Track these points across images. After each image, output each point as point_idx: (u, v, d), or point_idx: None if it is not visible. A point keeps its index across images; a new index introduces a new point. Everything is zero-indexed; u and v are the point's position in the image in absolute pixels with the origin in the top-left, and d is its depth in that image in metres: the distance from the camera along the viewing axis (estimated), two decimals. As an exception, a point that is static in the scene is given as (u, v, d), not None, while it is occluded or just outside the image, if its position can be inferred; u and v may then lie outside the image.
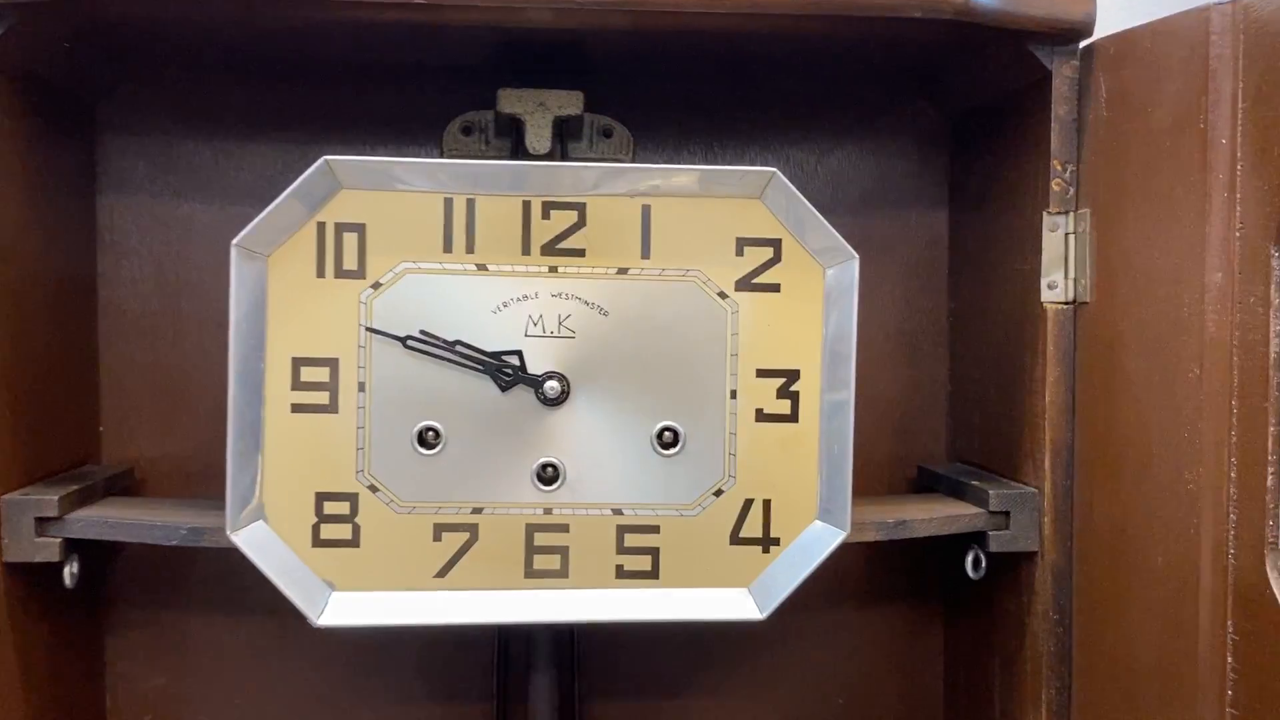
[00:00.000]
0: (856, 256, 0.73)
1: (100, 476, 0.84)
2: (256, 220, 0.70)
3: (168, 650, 0.92)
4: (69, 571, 0.78)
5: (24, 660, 0.77)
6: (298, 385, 0.71)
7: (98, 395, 0.91)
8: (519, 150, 0.85)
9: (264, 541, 0.71)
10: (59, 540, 0.75)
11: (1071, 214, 0.78)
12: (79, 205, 0.89)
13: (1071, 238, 0.79)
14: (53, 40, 0.78)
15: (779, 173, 0.72)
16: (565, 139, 0.88)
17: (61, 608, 0.83)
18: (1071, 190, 0.78)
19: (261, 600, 0.72)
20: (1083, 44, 0.77)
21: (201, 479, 0.91)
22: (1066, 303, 0.79)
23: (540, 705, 0.83)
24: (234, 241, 0.70)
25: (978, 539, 0.82)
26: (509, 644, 0.91)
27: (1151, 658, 0.72)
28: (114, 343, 0.91)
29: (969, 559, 0.83)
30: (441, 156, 0.87)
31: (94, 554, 0.83)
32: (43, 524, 0.75)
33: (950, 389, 0.97)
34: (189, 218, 0.91)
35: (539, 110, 0.84)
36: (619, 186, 0.73)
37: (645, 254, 0.73)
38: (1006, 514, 0.80)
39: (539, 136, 0.84)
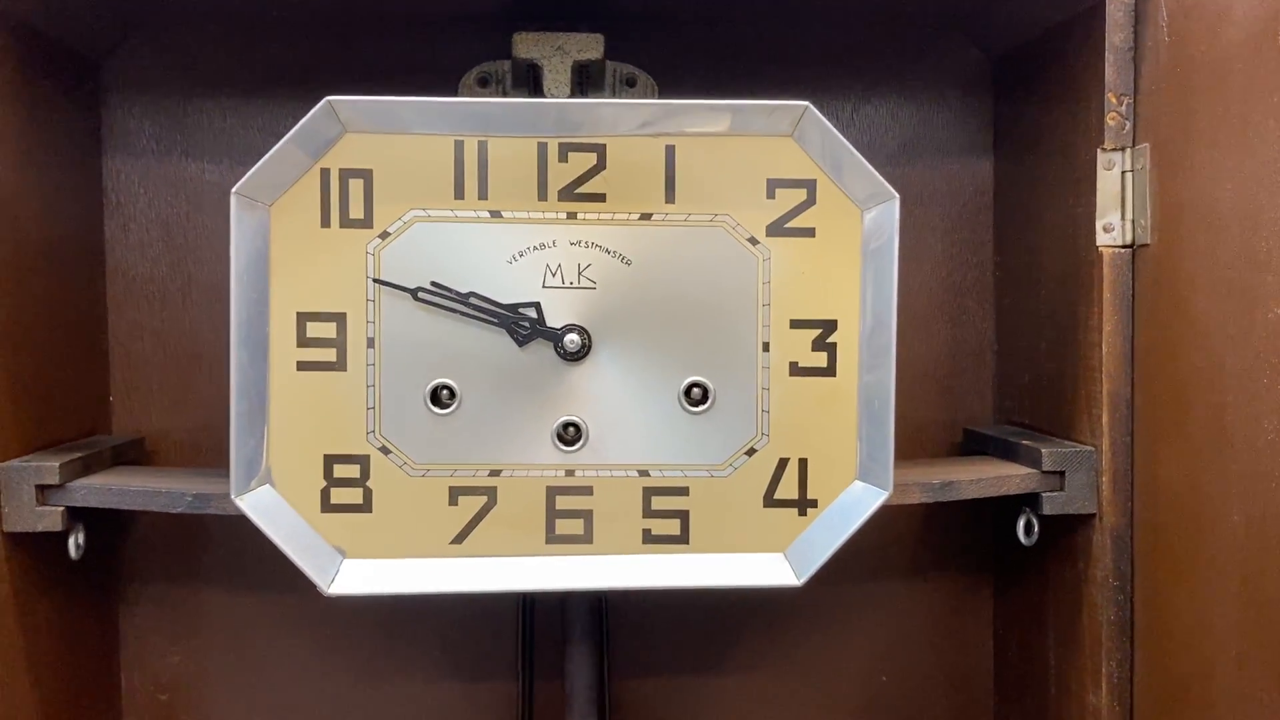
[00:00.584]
0: (897, 196, 0.68)
1: (108, 446, 0.81)
2: (257, 166, 0.66)
3: (184, 627, 0.89)
4: (74, 542, 0.74)
5: (30, 635, 0.74)
6: (303, 342, 0.68)
7: (107, 364, 0.88)
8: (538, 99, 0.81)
9: (271, 507, 0.67)
10: (61, 509, 0.72)
11: (1129, 150, 0.73)
12: (84, 167, 0.85)
13: (1129, 176, 0.73)
14: (48, -12, 0.74)
15: (812, 107, 0.67)
16: (586, 88, 0.84)
17: (70, 582, 0.80)
18: (1128, 125, 0.73)
19: (279, 574, 0.68)
20: (1140, -35, 0.72)
21: (214, 450, 0.87)
22: (1124, 246, 0.73)
23: (578, 681, 0.79)
24: (234, 189, 0.66)
25: (1030, 501, 0.77)
26: (534, 616, 0.87)
27: (1228, 624, 0.67)
28: (123, 309, 0.88)
29: (1020, 523, 0.78)
30: (457, 109, 0.83)
31: (104, 527, 0.80)
32: (44, 492, 0.71)
33: (997, 346, 0.91)
34: (197, 178, 0.88)
35: (557, 54, 0.79)
36: (642, 126, 0.68)
37: (670, 198, 0.69)
38: (1061, 474, 0.75)
39: (557, 83, 0.79)
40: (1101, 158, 0.73)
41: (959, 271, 0.92)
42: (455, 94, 0.84)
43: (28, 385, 0.75)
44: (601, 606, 0.85)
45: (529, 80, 0.83)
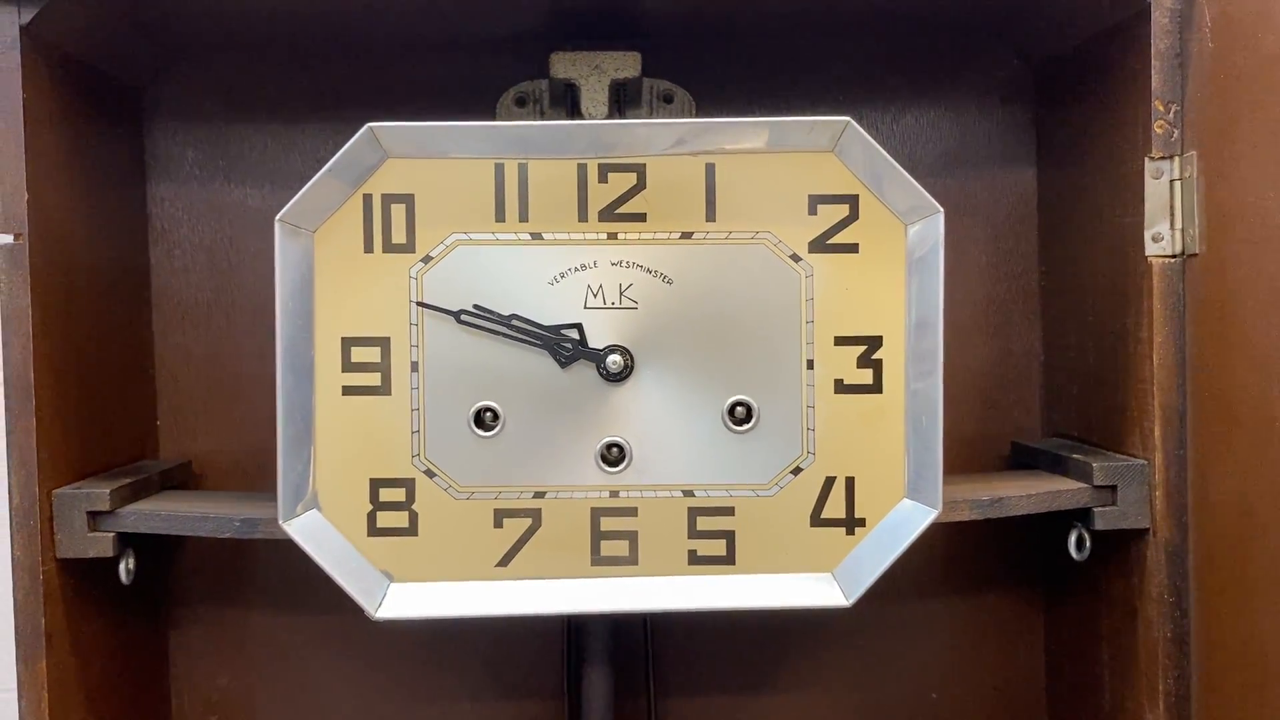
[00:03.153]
0: (941, 210, 0.67)
1: (156, 470, 0.81)
2: (300, 193, 0.66)
3: (232, 648, 0.90)
4: (124, 567, 0.75)
5: (83, 659, 0.75)
6: (348, 366, 0.68)
7: (154, 389, 0.89)
8: (575, 118, 0.81)
9: (319, 531, 0.68)
10: (112, 535, 0.72)
11: (1177, 158, 0.72)
12: (129, 193, 0.87)
13: (1178, 184, 0.72)
14: (92, 20, 0.75)
15: (853, 122, 0.67)
16: (624, 106, 0.84)
17: (120, 605, 0.80)
18: (1176, 132, 0.72)
19: (327, 595, 0.69)
20: (1185, -30, 0.71)
21: (261, 473, 0.88)
22: (1174, 255, 0.72)
23: (595, 703, 0.79)
24: (278, 217, 0.66)
25: (1081, 517, 0.75)
26: (580, 637, 0.86)
27: (1284, 642, 0.65)
28: (168, 334, 0.89)
29: (1072, 539, 0.77)
30: (496, 130, 0.83)
31: (153, 550, 0.81)
32: (95, 518, 0.72)
33: (1044, 359, 0.90)
34: (240, 203, 0.89)
35: (594, 74, 0.79)
36: (681, 145, 0.68)
37: (710, 216, 0.68)
38: (1113, 488, 0.73)
39: (595, 101, 0.79)
40: (1149, 166, 0.72)
41: (1003, 282, 0.91)
42: (493, 114, 0.85)
43: (78, 411, 0.76)
44: (644, 626, 0.84)
45: (567, 99, 0.83)
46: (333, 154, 0.67)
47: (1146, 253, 0.73)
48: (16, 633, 0.71)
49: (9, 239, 0.70)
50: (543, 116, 0.85)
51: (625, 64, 0.79)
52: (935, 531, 0.68)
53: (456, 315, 0.68)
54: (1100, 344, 0.80)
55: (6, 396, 0.70)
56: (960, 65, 0.90)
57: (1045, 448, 0.83)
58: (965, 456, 0.90)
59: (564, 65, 0.79)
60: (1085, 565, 0.78)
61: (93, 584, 0.76)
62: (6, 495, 0.71)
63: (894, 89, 0.90)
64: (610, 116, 0.80)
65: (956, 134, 0.90)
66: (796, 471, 0.69)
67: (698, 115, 0.85)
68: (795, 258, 0.68)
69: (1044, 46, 0.86)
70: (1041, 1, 0.80)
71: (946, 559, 0.91)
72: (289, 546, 0.67)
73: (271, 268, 0.67)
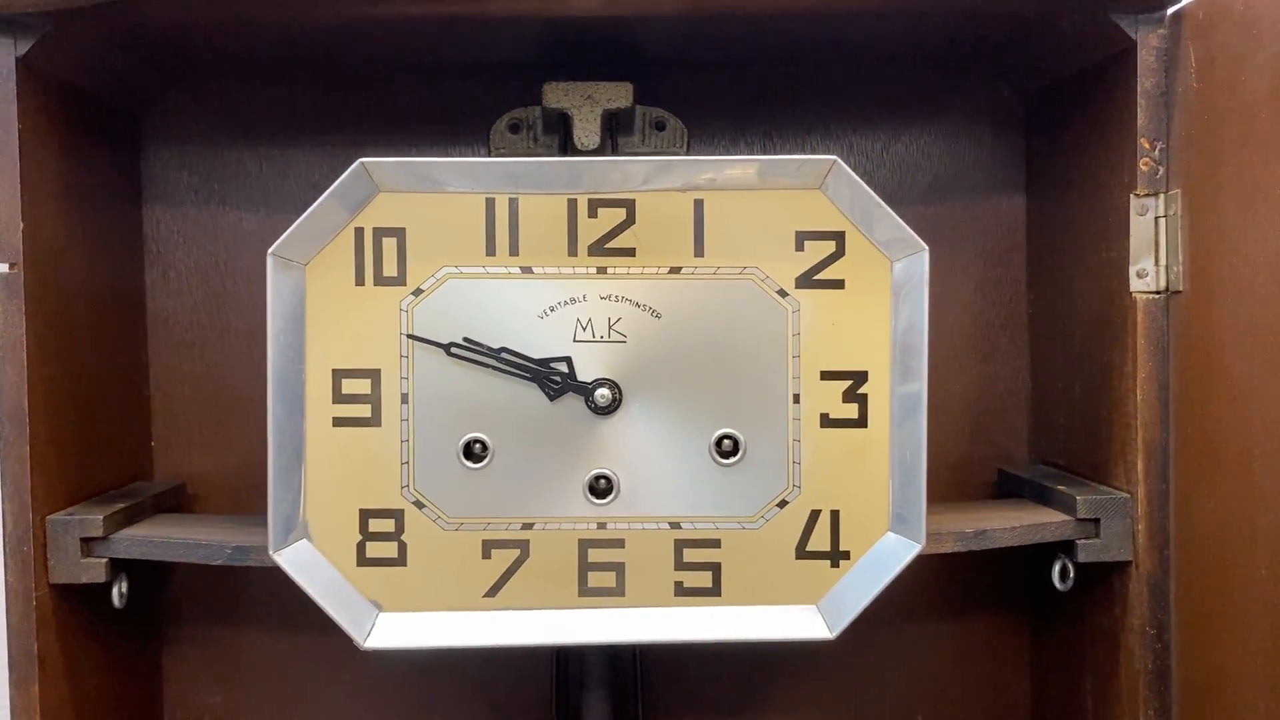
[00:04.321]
0: (926, 248, 0.68)
1: (149, 494, 0.82)
2: (292, 227, 0.67)
3: (224, 668, 0.91)
4: (117, 591, 0.76)
5: (76, 683, 0.76)
6: (339, 398, 0.69)
7: (148, 410, 0.89)
8: (568, 146, 0.82)
9: (309, 562, 0.69)
10: (105, 560, 0.73)
11: (1161, 196, 0.72)
12: (125, 217, 0.87)
13: (1162, 221, 0.72)
14: (89, 49, 0.76)
15: (840, 160, 0.67)
16: (616, 133, 0.85)
17: (114, 628, 0.81)
18: (1161, 170, 0.72)
19: (318, 618, 0.70)
20: (1170, 10, 0.71)
21: (253, 494, 0.88)
22: (1157, 292, 0.73)
23: None
24: (270, 250, 0.67)
25: (1065, 548, 0.76)
26: (568, 665, 0.87)
27: (1257, 679, 0.66)
28: (163, 356, 0.89)
29: (1056, 569, 0.78)
30: (489, 155, 0.84)
31: (146, 572, 0.82)
32: (88, 544, 0.73)
33: (1032, 387, 0.91)
34: (235, 227, 0.89)
35: (586, 104, 0.80)
36: (669, 180, 0.68)
37: (699, 251, 0.69)
38: (1096, 521, 0.74)
39: (587, 131, 0.80)
40: (1135, 203, 0.73)
41: (992, 309, 0.91)
42: (487, 140, 0.85)
43: (72, 435, 0.76)
44: (632, 653, 0.85)
45: (560, 127, 0.83)
46: (326, 178, 0.68)
47: (1131, 288, 0.73)
48: (10, 657, 0.72)
49: (4, 268, 0.71)
50: (536, 143, 0.85)
51: (617, 94, 0.80)
52: (922, 559, 0.69)
53: (446, 348, 0.69)
54: (1086, 376, 0.81)
55: (1, 424, 0.71)
56: (952, 95, 0.91)
57: (1031, 477, 0.84)
58: (952, 482, 0.91)
59: (557, 95, 0.80)
60: (1070, 595, 0.79)
61: (86, 608, 0.76)
62: (0, 521, 0.72)
63: (885, 118, 0.91)
64: (603, 144, 0.81)
65: (947, 163, 0.91)
66: (782, 504, 0.70)
67: (690, 142, 0.86)
68: (782, 293, 0.69)
69: (1034, 79, 0.87)
70: (1031, 35, 0.81)
71: (934, 586, 0.92)
72: (281, 571, 0.68)
73: (264, 290, 0.68)
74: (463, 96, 0.89)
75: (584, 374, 0.69)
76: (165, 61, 0.85)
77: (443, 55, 0.86)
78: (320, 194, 0.68)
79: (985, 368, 0.91)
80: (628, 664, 0.84)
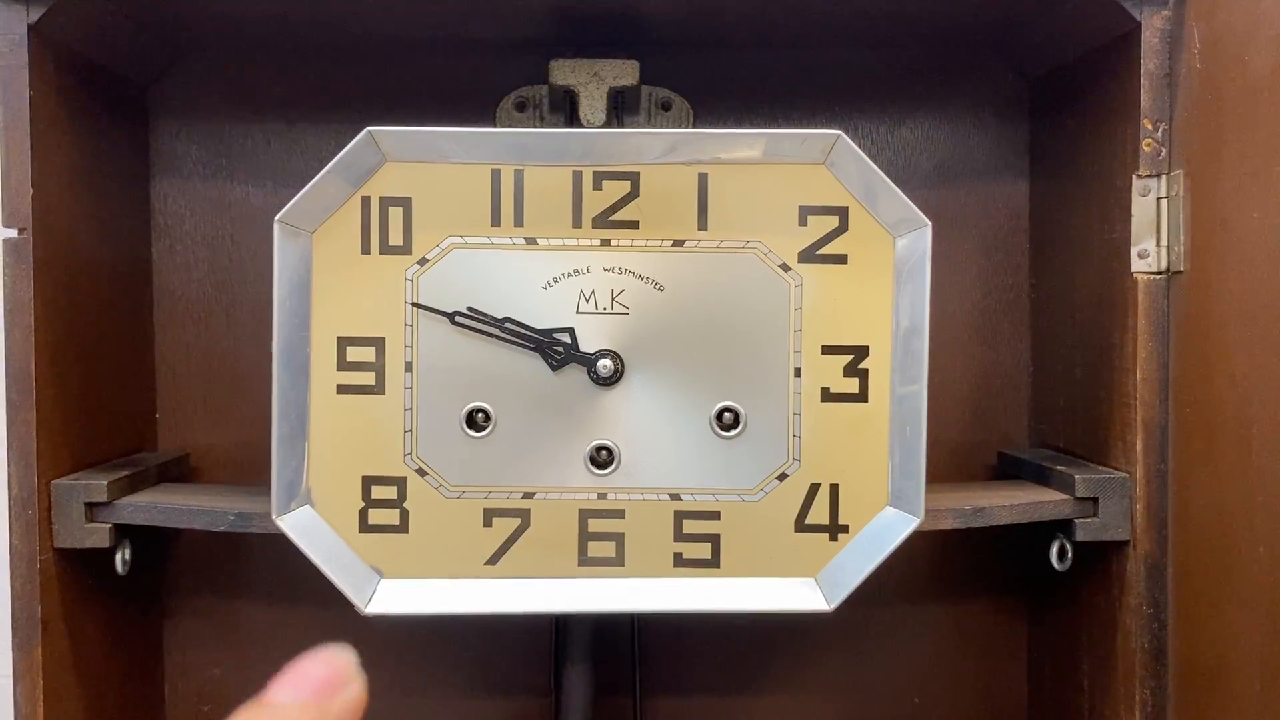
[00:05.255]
0: (929, 223, 0.68)
1: (153, 463, 0.83)
2: (300, 195, 0.68)
3: (225, 639, 0.91)
4: (120, 558, 0.76)
5: (79, 647, 0.76)
6: (343, 365, 0.69)
7: (154, 382, 0.90)
8: (574, 124, 0.82)
9: (311, 527, 0.69)
10: (109, 526, 0.74)
11: (1164, 177, 0.73)
12: (133, 189, 0.88)
13: (1164, 202, 0.73)
14: (99, 19, 0.76)
15: (844, 135, 0.68)
16: (622, 112, 0.85)
17: (116, 595, 0.82)
18: (1164, 151, 0.73)
19: (319, 588, 0.70)
20: (1175, -9, 0.72)
21: (256, 466, 0.88)
22: (1159, 273, 0.73)
23: (575, 703, 0.80)
24: (277, 218, 0.68)
25: (1063, 528, 0.76)
26: (568, 636, 0.88)
27: (1253, 658, 0.66)
28: (169, 329, 0.90)
29: (1054, 549, 0.78)
30: (495, 132, 0.84)
31: (149, 541, 0.82)
32: (92, 509, 0.73)
33: (1032, 369, 0.91)
34: (242, 201, 0.90)
35: (593, 81, 0.80)
36: (674, 154, 0.69)
37: (702, 225, 0.69)
38: (1095, 500, 0.75)
39: (593, 109, 0.80)
40: (1137, 184, 0.73)
41: (994, 293, 0.92)
42: (494, 117, 0.86)
43: (78, 403, 0.77)
44: (632, 625, 0.86)
45: (566, 104, 0.84)
46: (333, 153, 0.68)
47: (1132, 269, 0.74)
48: (13, 620, 0.72)
49: (13, 233, 0.71)
50: (542, 121, 0.86)
51: (624, 72, 0.81)
52: (920, 538, 0.70)
53: (451, 317, 0.69)
54: (1086, 357, 0.81)
55: (8, 388, 0.71)
56: (956, 79, 0.91)
57: (1030, 458, 0.84)
58: (953, 464, 0.91)
59: (563, 73, 0.80)
60: (1067, 575, 0.79)
61: (89, 573, 0.77)
62: (5, 485, 0.72)
63: (890, 100, 0.91)
64: (609, 123, 0.81)
65: (951, 146, 0.92)
66: (782, 478, 0.70)
67: (695, 122, 0.86)
68: (785, 267, 0.70)
69: (1038, 62, 0.87)
70: (1035, 18, 0.82)
71: (932, 565, 0.92)
72: (283, 540, 0.69)
73: (271, 265, 0.68)
74: (469, 73, 0.89)
75: (586, 345, 0.69)
76: (174, 35, 0.86)
77: (450, 32, 0.86)
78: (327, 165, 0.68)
79: (987, 351, 0.92)
80: (626, 637, 0.85)
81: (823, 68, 0.91)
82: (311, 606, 0.90)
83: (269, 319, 0.68)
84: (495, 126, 0.86)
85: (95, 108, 0.80)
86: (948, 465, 0.91)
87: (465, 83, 0.89)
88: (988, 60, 0.90)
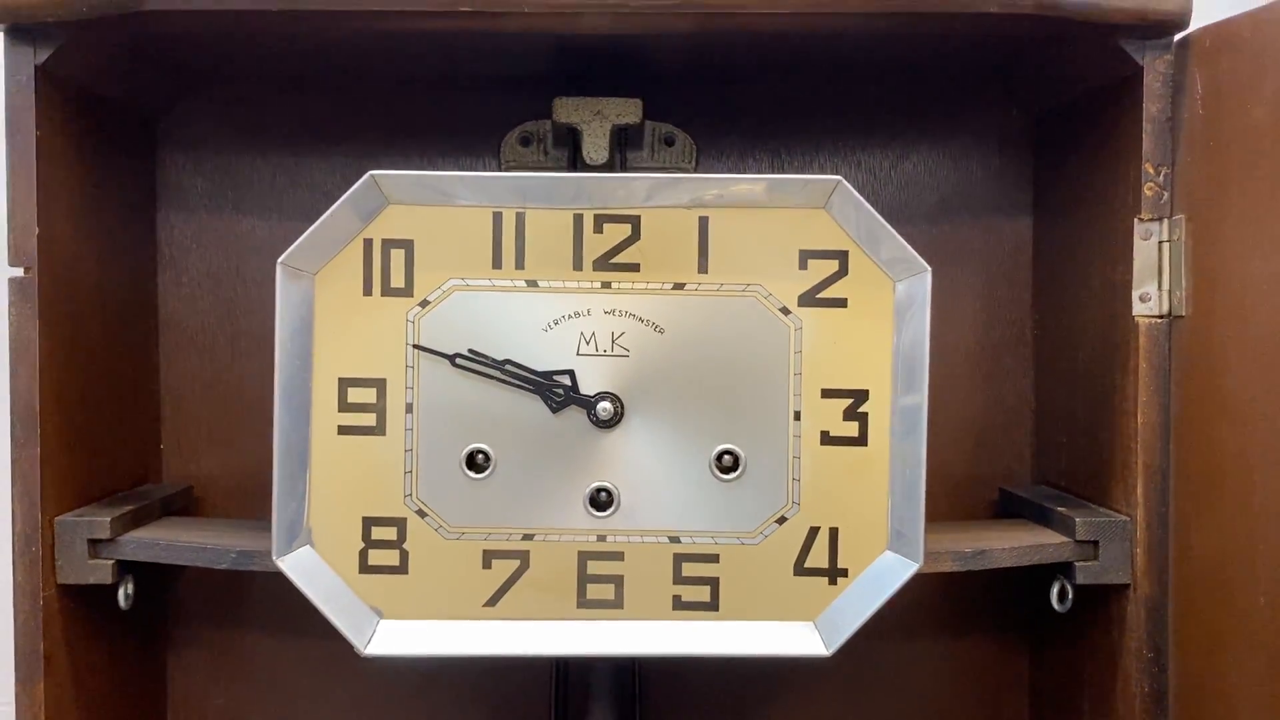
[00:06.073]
0: (929, 269, 0.68)
1: (157, 496, 0.83)
2: (302, 238, 0.68)
3: (228, 671, 0.92)
4: (123, 593, 0.77)
5: (81, 681, 0.77)
6: (345, 406, 0.69)
7: (158, 413, 0.90)
8: (577, 161, 0.82)
9: (311, 567, 0.69)
10: (111, 562, 0.74)
11: (1166, 220, 0.73)
12: (139, 222, 0.88)
13: (1166, 246, 0.73)
14: (106, 57, 0.77)
15: (844, 181, 0.68)
16: (625, 148, 0.85)
17: (119, 629, 0.82)
18: (1166, 195, 0.73)
19: (321, 622, 0.70)
20: (1177, 37, 0.72)
21: (260, 497, 0.88)
22: (1160, 316, 0.73)
23: None
24: (280, 260, 0.68)
25: (1064, 570, 0.76)
26: (567, 674, 0.88)
27: (1254, 704, 0.66)
28: (174, 360, 0.90)
29: (1055, 590, 0.78)
30: (500, 168, 0.85)
31: (153, 574, 0.83)
32: (95, 545, 0.74)
33: (1035, 406, 0.91)
34: (248, 234, 0.91)
35: (596, 119, 0.81)
36: (675, 197, 0.69)
37: (703, 268, 0.70)
38: (1095, 544, 0.74)
39: (596, 146, 0.81)
40: (1139, 227, 0.73)
41: (997, 328, 0.92)
42: (498, 152, 0.86)
43: (82, 437, 0.77)
44: (631, 665, 0.86)
45: (569, 141, 0.84)
46: (338, 188, 0.69)
47: (1134, 312, 0.74)
48: (16, 655, 0.73)
49: (19, 272, 0.72)
50: (546, 156, 0.86)
51: (627, 110, 0.81)
52: (922, 578, 0.69)
53: (451, 359, 0.69)
54: (1089, 397, 0.81)
55: (12, 425, 0.72)
56: (959, 114, 0.91)
57: (1032, 498, 0.84)
58: (955, 500, 0.91)
59: (566, 110, 0.81)
60: (1069, 616, 0.79)
61: (92, 608, 0.77)
62: (9, 521, 0.73)
63: (894, 135, 0.91)
64: (612, 160, 0.81)
65: (954, 181, 0.92)
66: (781, 521, 0.70)
67: (698, 157, 0.86)
68: (785, 311, 0.70)
69: (1043, 101, 0.87)
70: (1039, 57, 0.82)
71: (933, 604, 0.92)
72: (284, 576, 0.69)
73: (274, 300, 0.68)
74: (474, 109, 0.90)
75: (587, 387, 0.70)
76: (181, 70, 0.86)
77: (455, 68, 0.87)
78: (331, 203, 0.69)
79: (989, 387, 0.92)
80: (626, 677, 0.85)
81: (826, 103, 0.91)
82: (314, 640, 0.90)
83: (272, 352, 0.69)
84: (499, 161, 0.86)
85: (102, 141, 0.81)
86: (950, 500, 0.91)
87: (470, 118, 0.90)
88: (991, 97, 0.91)
